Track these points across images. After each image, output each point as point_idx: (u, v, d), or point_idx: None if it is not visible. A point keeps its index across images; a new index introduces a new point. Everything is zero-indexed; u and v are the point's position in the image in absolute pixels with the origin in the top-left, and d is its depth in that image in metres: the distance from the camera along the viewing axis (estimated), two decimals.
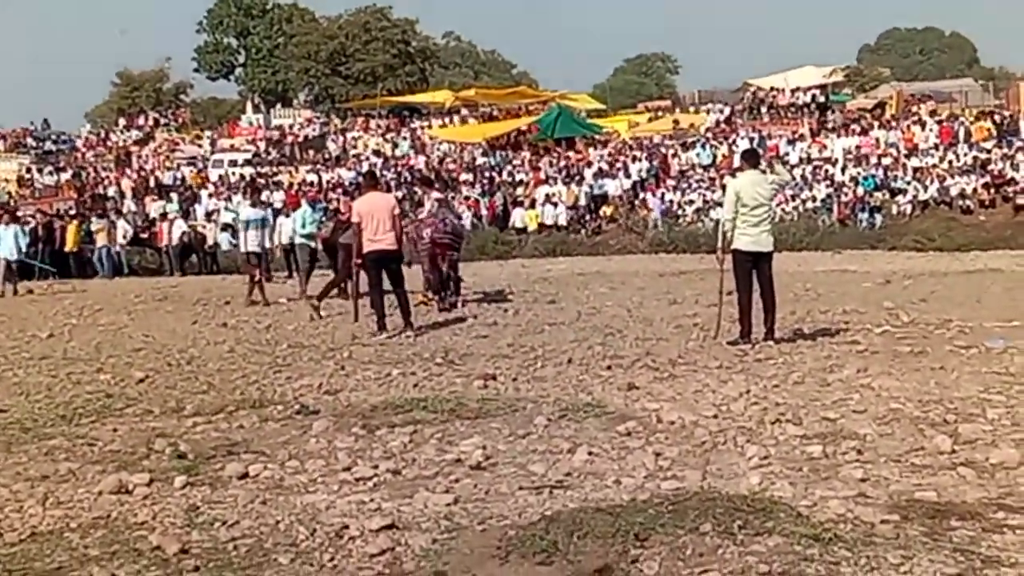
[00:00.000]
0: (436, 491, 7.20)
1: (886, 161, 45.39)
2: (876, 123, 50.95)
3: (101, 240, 35.90)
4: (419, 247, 19.04)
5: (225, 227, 38.65)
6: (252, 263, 21.83)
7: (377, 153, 57.55)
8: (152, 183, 53.79)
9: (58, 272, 35.32)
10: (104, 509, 7.04)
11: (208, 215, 42.82)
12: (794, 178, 41.42)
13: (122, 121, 75.35)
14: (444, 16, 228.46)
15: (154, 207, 46.94)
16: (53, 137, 69.67)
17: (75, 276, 34.84)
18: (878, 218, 40.52)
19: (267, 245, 22.88)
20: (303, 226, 23.20)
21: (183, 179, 54.72)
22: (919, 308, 16.66)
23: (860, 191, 42.80)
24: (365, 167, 51.59)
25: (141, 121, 73.69)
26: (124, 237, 37.59)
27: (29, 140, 67.32)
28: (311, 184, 49.05)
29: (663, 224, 43.02)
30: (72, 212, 43.07)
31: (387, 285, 16.24)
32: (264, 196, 45.02)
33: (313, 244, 22.72)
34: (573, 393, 10.64)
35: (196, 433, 9.34)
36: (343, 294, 20.99)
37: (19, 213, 38.61)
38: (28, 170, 58.33)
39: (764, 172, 14.87)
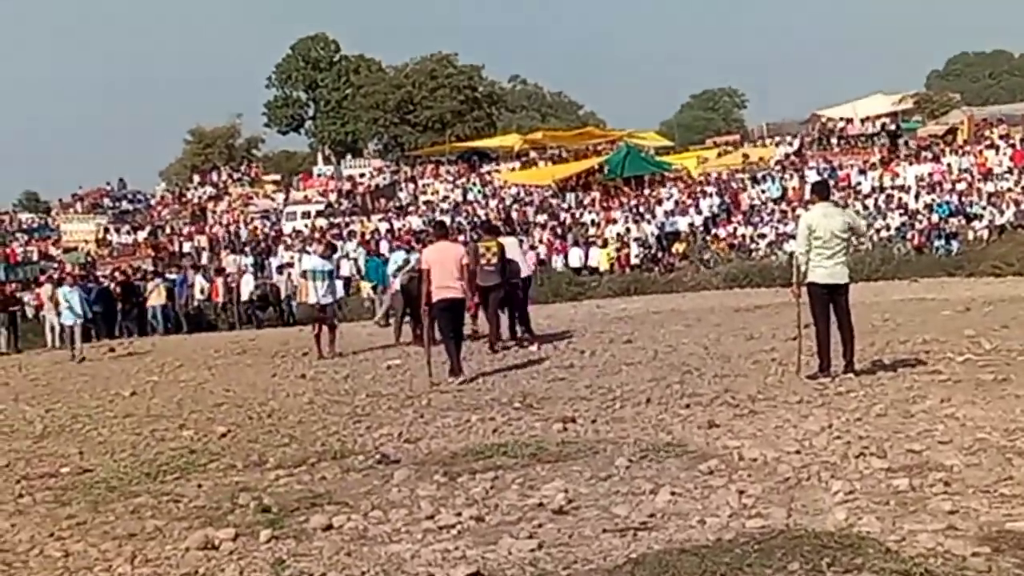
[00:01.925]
0: (520, 537, 7.19)
1: (960, 187, 44.89)
2: (948, 149, 50.48)
3: (154, 300, 36.08)
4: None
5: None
6: (318, 315, 21.75)
7: (448, 200, 57.89)
8: (227, 238, 54.38)
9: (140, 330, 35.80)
10: (191, 566, 7.11)
11: (279, 268, 43.12)
12: (870, 220, 41.15)
13: (196, 178, 76.35)
14: (509, 60, 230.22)
15: (229, 261, 47.45)
16: (129, 196, 70.74)
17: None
18: (955, 244, 40.02)
19: (336, 296, 22.77)
20: (395, 272, 23.19)
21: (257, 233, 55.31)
22: (1001, 335, 16.39)
23: (935, 218, 42.33)
24: (437, 214, 51.97)
25: (215, 177, 74.59)
26: (201, 292, 37.90)
27: (106, 200, 68.38)
28: (400, 230, 49.29)
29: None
30: (153, 270, 43.60)
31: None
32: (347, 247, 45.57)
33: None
34: (653, 433, 10.60)
35: (279, 486, 9.40)
36: (418, 341, 21.07)
37: (97, 273, 39.01)
38: (106, 230, 59.17)
39: (836, 204, 14.77)
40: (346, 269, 45.76)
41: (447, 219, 50.61)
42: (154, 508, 8.87)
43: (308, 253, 24.95)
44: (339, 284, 28.29)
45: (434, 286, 16.23)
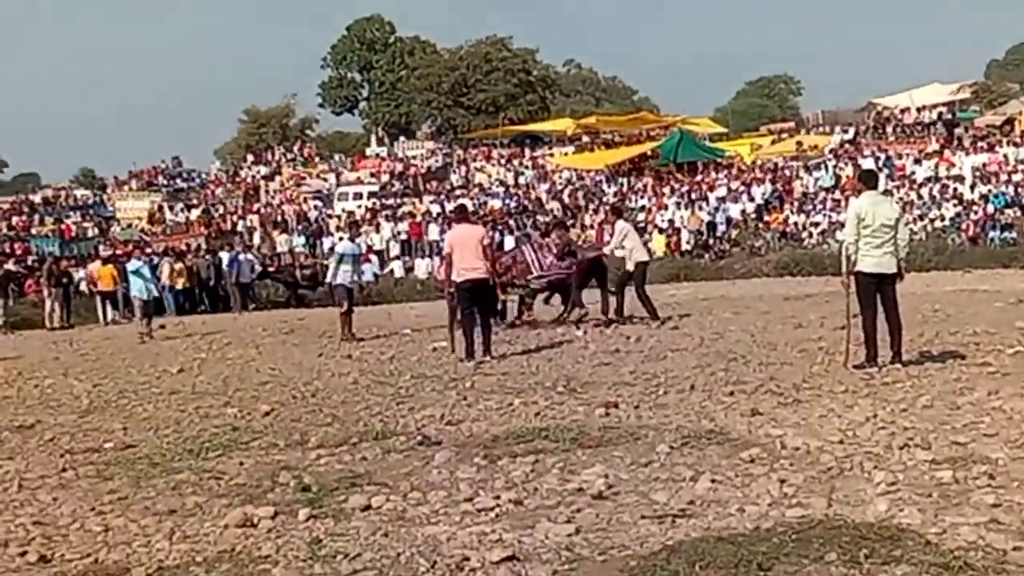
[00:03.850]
0: (558, 521, 7.16)
1: (1016, 178, 44.42)
2: (1005, 139, 49.94)
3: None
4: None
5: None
6: (342, 296, 21.83)
7: (500, 183, 57.98)
8: (279, 218, 54.60)
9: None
10: (229, 543, 7.13)
11: (331, 249, 43.33)
12: (924, 209, 41.01)
13: (250, 157, 76.71)
14: (564, 44, 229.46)
15: (281, 241, 47.69)
16: (184, 175, 71.21)
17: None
18: (1009, 236, 39.60)
19: (357, 279, 22.70)
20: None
21: (306, 214, 55.50)
22: None
23: (990, 209, 41.93)
24: (487, 198, 52.12)
25: (269, 157, 74.93)
26: (252, 271, 37.98)
27: (160, 178, 68.83)
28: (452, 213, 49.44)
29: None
30: (205, 247, 43.90)
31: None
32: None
33: None
34: (696, 420, 10.53)
35: (320, 465, 9.42)
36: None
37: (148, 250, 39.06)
38: (160, 208, 59.55)
39: (885, 193, 14.60)
40: (396, 250, 46.12)
41: (497, 203, 50.97)
42: (195, 485, 8.91)
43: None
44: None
45: (457, 268, 16.61)
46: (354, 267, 22.06)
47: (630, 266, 20.84)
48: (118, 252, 40.43)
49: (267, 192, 63.52)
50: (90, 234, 52.59)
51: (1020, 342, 14.67)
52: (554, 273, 21.51)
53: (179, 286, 36.76)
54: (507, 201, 53.01)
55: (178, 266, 37.22)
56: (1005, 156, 47.11)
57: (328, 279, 22.43)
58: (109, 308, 33.41)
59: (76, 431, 12.14)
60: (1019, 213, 41.55)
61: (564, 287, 21.81)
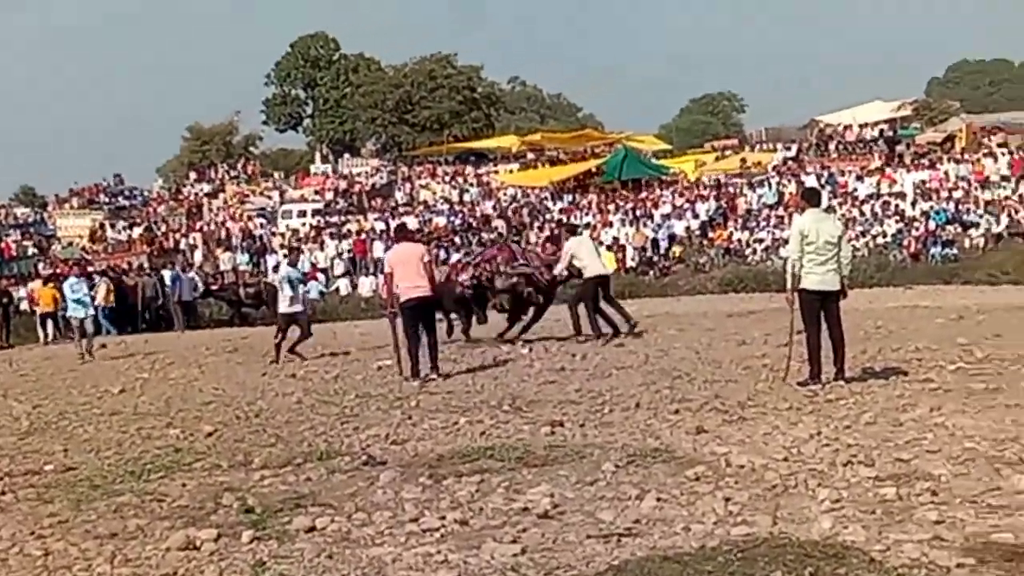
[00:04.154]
0: (503, 541, 7.15)
1: (957, 194, 44.91)
2: (946, 156, 50.49)
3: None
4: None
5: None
6: (284, 323, 21.47)
7: (445, 200, 57.96)
8: (223, 236, 54.29)
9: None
10: (172, 566, 7.06)
11: (276, 267, 43.17)
12: (866, 226, 41.37)
13: (193, 175, 76.30)
14: (509, 62, 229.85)
15: (224, 259, 47.45)
16: (126, 192, 70.62)
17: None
18: (950, 252, 39.99)
19: (308, 298, 22.37)
20: None
21: (251, 231, 55.17)
22: (994, 344, 16.31)
23: (931, 225, 42.34)
24: (432, 215, 52.10)
25: (212, 174, 74.52)
26: (195, 289, 37.73)
27: (102, 196, 68.22)
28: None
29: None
30: (148, 266, 43.51)
31: None
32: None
33: None
34: (641, 438, 10.54)
35: (264, 487, 9.35)
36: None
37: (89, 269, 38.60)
38: (101, 226, 58.95)
39: (828, 211, 14.70)
40: (340, 268, 45.99)
41: (442, 220, 50.95)
42: (137, 507, 8.82)
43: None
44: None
45: (401, 287, 16.66)
46: (300, 289, 21.83)
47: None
48: (58, 272, 39.99)
49: (210, 210, 63.13)
50: (30, 252, 52.00)
51: (961, 358, 14.80)
52: (534, 272, 21.19)
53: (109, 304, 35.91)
54: (452, 218, 52.98)
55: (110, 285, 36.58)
56: (946, 173, 47.66)
57: (281, 307, 21.74)
58: (50, 328, 33.00)
59: (15, 453, 12.00)
60: (960, 230, 41.98)
61: (529, 296, 21.45)
